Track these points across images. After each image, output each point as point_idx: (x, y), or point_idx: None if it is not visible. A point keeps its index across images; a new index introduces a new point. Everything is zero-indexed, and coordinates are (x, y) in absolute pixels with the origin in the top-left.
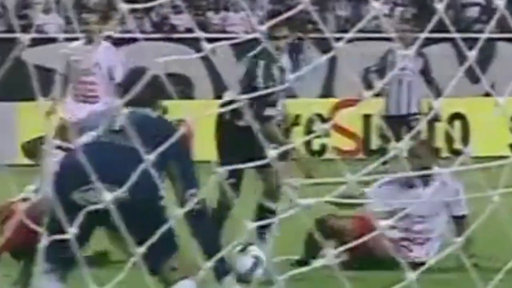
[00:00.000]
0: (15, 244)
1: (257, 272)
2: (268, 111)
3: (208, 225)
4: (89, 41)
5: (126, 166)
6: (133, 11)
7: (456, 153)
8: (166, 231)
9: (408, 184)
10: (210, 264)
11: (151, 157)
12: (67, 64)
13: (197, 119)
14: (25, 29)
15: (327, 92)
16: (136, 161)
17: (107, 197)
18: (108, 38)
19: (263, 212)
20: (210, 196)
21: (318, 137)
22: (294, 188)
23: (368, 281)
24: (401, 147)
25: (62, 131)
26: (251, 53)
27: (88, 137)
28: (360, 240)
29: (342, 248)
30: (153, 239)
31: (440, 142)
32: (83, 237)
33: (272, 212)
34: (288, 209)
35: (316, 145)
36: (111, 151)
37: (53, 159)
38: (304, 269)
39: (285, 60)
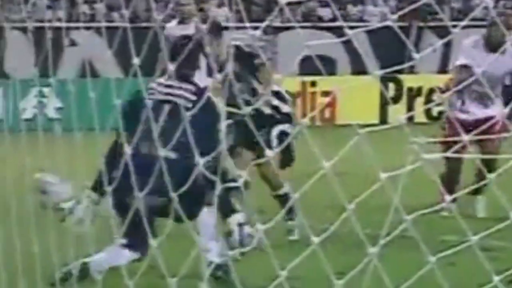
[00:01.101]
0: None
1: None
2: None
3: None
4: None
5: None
6: (289, 4)
7: None
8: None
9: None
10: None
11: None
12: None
13: (339, 90)
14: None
15: (443, 68)
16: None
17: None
18: (268, 26)
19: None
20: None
21: (437, 105)
22: (421, 145)
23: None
24: None
25: None
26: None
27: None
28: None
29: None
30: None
31: None
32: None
33: (286, 194)
34: (414, 162)
35: (434, 112)
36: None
37: None
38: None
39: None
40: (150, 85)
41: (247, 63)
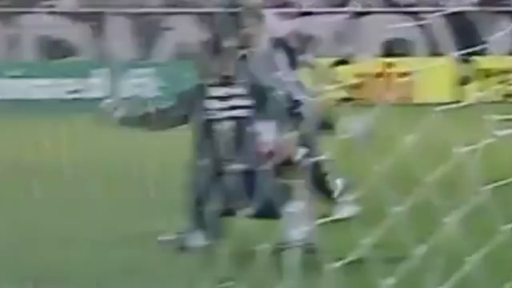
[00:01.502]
0: None
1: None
2: None
3: None
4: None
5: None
6: None
7: None
8: None
9: None
10: None
11: None
12: None
13: (417, 71)
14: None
15: None
16: None
17: None
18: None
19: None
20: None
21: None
22: (494, 123)
23: None
24: None
25: None
26: None
27: None
28: None
29: None
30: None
31: None
32: None
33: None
34: (488, 138)
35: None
36: None
37: None
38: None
39: None
40: (205, 104)
41: (288, 56)
